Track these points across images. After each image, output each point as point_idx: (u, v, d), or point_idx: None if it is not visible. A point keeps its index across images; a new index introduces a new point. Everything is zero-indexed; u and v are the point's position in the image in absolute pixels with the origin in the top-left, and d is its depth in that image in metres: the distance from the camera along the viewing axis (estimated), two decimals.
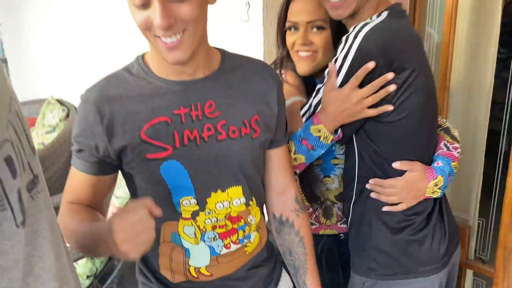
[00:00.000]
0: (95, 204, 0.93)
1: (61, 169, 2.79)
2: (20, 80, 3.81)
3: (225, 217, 0.92)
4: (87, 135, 0.85)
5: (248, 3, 1.71)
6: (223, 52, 0.95)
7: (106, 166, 0.89)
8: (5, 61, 4.17)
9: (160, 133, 0.85)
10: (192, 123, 0.86)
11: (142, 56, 0.90)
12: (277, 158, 1.01)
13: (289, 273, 1.10)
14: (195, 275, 0.94)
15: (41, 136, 2.85)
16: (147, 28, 0.79)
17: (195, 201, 0.89)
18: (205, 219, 0.91)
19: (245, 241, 0.96)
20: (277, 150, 1.00)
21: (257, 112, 0.92)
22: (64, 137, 2.77)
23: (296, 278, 1.06)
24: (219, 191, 0.90)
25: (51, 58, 3.24)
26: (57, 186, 2.86)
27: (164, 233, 0.92)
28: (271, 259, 1.06)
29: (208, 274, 0.94)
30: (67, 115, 2.95)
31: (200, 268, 0.94)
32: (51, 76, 3.29)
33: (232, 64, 0.93)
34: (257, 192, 0.98)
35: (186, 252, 0.93)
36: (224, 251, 0.94)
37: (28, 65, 3.59)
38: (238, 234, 0.95)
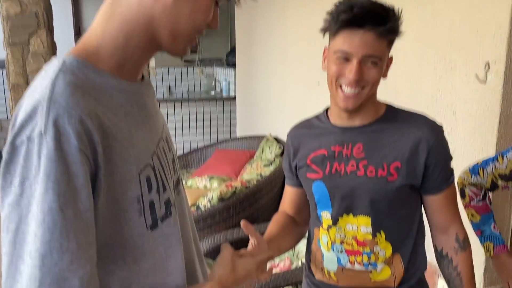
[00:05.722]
0: (295, 212, 1.26)
1: (273, 199, 3.10)
2: (244, 116, 4.40)
3: (352, 237, 1.11)
4: (286, 158, 1.24)
5: (488, 63, 1.68)
6: (389, 106, 1.14)
7: (297, 181, 1.22)
8: (233, 98, 4.90)
9: (318, 161, 1.13)
10: (341, 159, 1.10)
11: (328, 108, 1.19)
12: (435, 203, 1.12)
13: None
14: (327, 277, 1.17)
15: (260, 168, 3.23)
16: (337, 77, 1.04)
17: (330, 216, 1.12)
18: (336, 233, 1.13)
19: (370, 267, 1.12)
20: (433, 196, 1.11)
21: (400, 160, 1.06)
22: (279, 171, 3.08)
23: None
24: (350, 215, 1.10)
25: (273, 100, 3.67)
26: (266, 215, 3.18)
27: (315, 236, 1.19)
28: None
29: (335, 280, 1.16)
30: (282, 152, 3.28)
31: (330, 272, 1.16)
32: (270, 115, 3.72)
33: (393, 116, 1.12)
34: (389, 229, 1.10)
35: (323, 255, 1.17)
36: (349, 265, 1.13)
37: (252, 104, 4.13)
38: (363, 257, 1.11)
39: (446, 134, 1.94)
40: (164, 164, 0.74)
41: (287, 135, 1.25)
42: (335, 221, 1.12)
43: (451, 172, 1.13)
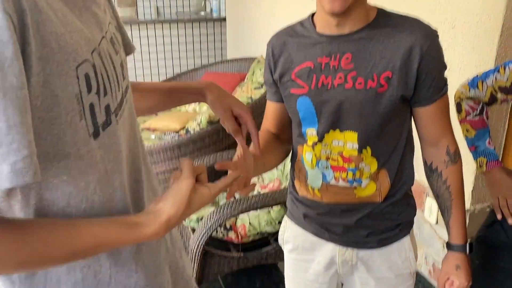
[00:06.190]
0: (279, 129, 1.19)
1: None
2: (234, 38, 4.23)
3: (338, 153, 1.06)
4: (266, 69, 1.13)
5: None
6: (380, 10, 1.03)
7: (280, 95, 1.12)
8: (224, 19, 4.67)
9: (304, 75, 1.05)
10: (328, 71, 1.02)
11: (313, 14, 1.08)
12: (425, 115, 1.06)
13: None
14: (311, 193, 1.14)
15: (250, 91, 3.14)
16: None
17: (316, 133, 1.06)
18: (321, 149, 1.08)
19: (355, 183, 1.08)
20: (424, 108, 1.04)
21: (392, 69, 0.98)
22: None
23: (443, 216, 1.15)
24: (337, 130, 1.05)
25: (264, 20, 3.49)
26: None
27: (298, 154, 1.14)
28: (391, 220, 1.13)
29: (319, 196, 1.13)
30: None
31: (315, 188, 1.12)
32: (262, 36, 3.56)
33: (384, 22, 1.01)
34: (376, 144, 1.05)
35: (306, 173, 1.13)
36: (333, 182, 1.09)
37: (243, 25, 3.95)
38: (347, 174, 1.07)
39: (443, 50, 1.84)
40: (108, 66, 0.64)
41: (268, 44, 1.13)
42: (321, 138, 1.07)
43: (444, 82, 1.05)
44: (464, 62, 1.71)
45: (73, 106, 0.56)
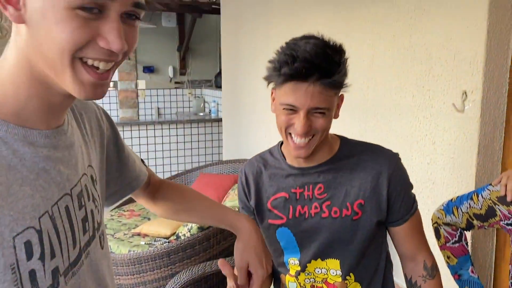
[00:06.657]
0: None
1: None
2: (230, 140, 4.35)
3: (322, 280, 1.07)
4: (242, 197, 1.16)
5: (465, 92, 1.62)
6: (343, 140, 1.10)
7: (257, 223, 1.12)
8: (220, 120, 4.84)
9: (280, 205, 1.08)
10: (304, 201, 1.06)
11: (282, 143, 1.13)
12: (399, 233, 1.10)
13: None
14: None
15: None
16: (286, 127, 0.99)
17: (298, 262, 1.08)
18: (305, 278, 1.08)
19: None
20: (398, 227, 1.08)
21: (363, 197, 1.03)
22: None
23: None
24: (319, 259, 1.06)
25: (258, 123, 3.61)
26: None
27: (282, 283, 1.14)
28: None
29: None
30: None
31: None
32: (255, 139, 3.66)
33: (348, 151, 1.08)
34: (358, 269, 1.05)
35: None
36: None
37: (237, 127, 4.08)
38: None
39: (425, 164, 1.87)
40: (62, 226, 0.63)
41: (241, 171, 1.18)
42: (303, 268, 1.08)
43: (413, 200, 1.11)
44: (447, 176, 1.74)
45: (5, 278, 0.55)
